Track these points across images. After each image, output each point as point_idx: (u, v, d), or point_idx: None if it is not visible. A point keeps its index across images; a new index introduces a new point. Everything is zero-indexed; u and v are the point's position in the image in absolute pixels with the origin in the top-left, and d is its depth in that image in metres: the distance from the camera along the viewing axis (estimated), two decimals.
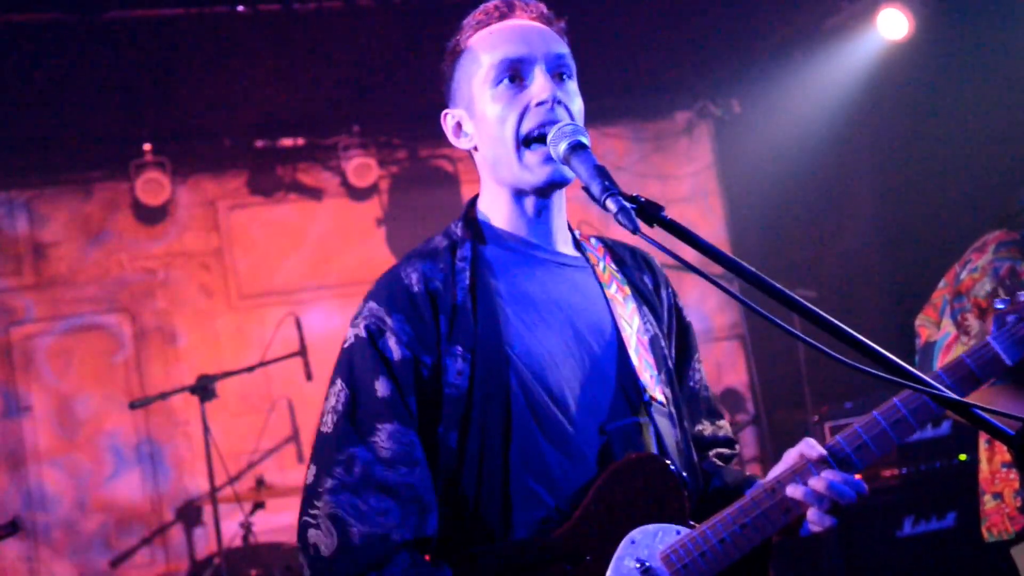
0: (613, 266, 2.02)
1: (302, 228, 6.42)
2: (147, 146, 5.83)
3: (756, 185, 6.64)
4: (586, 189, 1.67)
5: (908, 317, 3.06)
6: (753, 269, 1.52)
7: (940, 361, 2.85)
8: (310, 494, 1.78)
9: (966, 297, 2.85)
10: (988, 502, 2.92)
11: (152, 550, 5.91)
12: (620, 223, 1.57)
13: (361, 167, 6.20)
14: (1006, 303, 1.90)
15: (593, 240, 2.07)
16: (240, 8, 4.41)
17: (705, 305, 6.93)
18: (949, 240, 3.07)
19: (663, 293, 2.08)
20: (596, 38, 5.20)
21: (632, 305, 1.98)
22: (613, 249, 2.08)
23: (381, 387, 1.79)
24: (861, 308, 5.54)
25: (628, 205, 1.58)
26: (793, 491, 1.77)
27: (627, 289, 1.99)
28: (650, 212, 1.59)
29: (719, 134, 7.12)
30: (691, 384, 2.11)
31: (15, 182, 5.93)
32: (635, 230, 1.56)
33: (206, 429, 4.81)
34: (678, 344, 2.09)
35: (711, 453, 2.10)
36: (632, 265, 2.07)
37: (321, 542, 1.73)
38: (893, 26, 5.02)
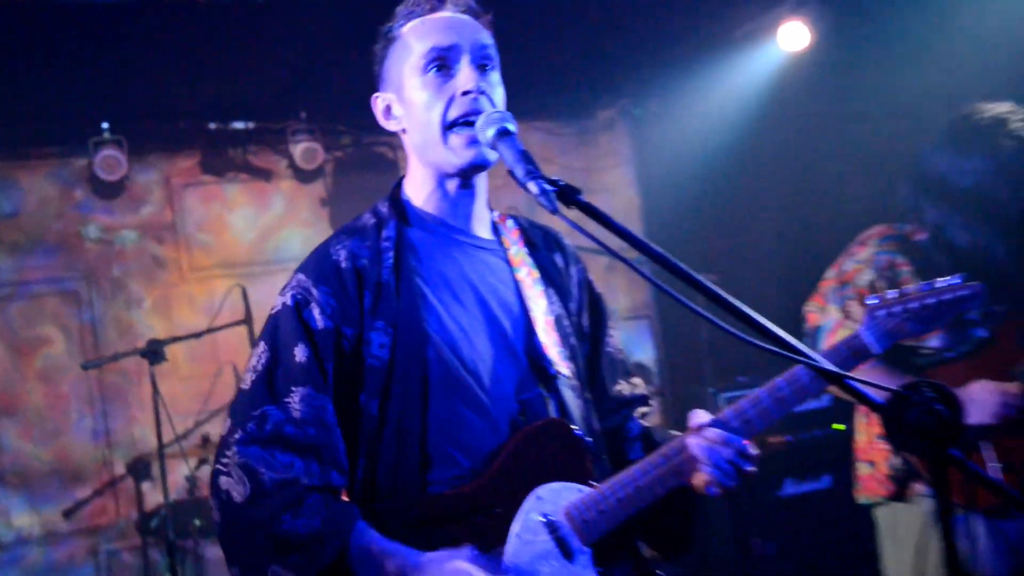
0: (525, 250, 2.03)
1: (251, 207, 6.33)
2: (105, 124, 5.69)
3: (669, 179, 6.69)
4: (511, 172, 1.67)
5: (800, 303, 3.11)
6: (662, 251, 1.55)
7: (825, 343, 2.90)
8: (223, 445, 1.77)
9: (850, 286, 2.89)
10: (863, 469, 2.98)
11: (104, 501, 5.82)
12: (541, 204, 1.58)
13: (308, 151, 6.13)
14: (878, 299, 1.96)
15: (509, 223, 2.06)
16: None
17: (617, 287, 6.99)
18: (839, 233, 3.12)
19: (572, 270, 2.10)
20: (527, 40, 5.21)
21: (540, 288, 1.99)
22: (527, 231, 2.08)
23: (300, 353, 1.79)
24: (758, 295, 5.61)
25: (549, 188, 1.59)
26: (684, 454, 1.81)
27: (536, 272, 2.00)
28: (569, 195, 1.61)
29: (637, 131, 7.15)
30: (608, 349, 2.12)
31: None
32: (554, 211, 1.57)
33: (155, 390, 4.74)
34: (592, 314, 2.11)
35: (635, 413, 2.12)
36: (543, 247, 2.07)
37: (233, 489, 1.72)
38: (794, 38, 5.09)
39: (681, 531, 1.95)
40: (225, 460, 1.75)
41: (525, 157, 1.66)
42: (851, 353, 1.90)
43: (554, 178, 1.63)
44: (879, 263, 2.87)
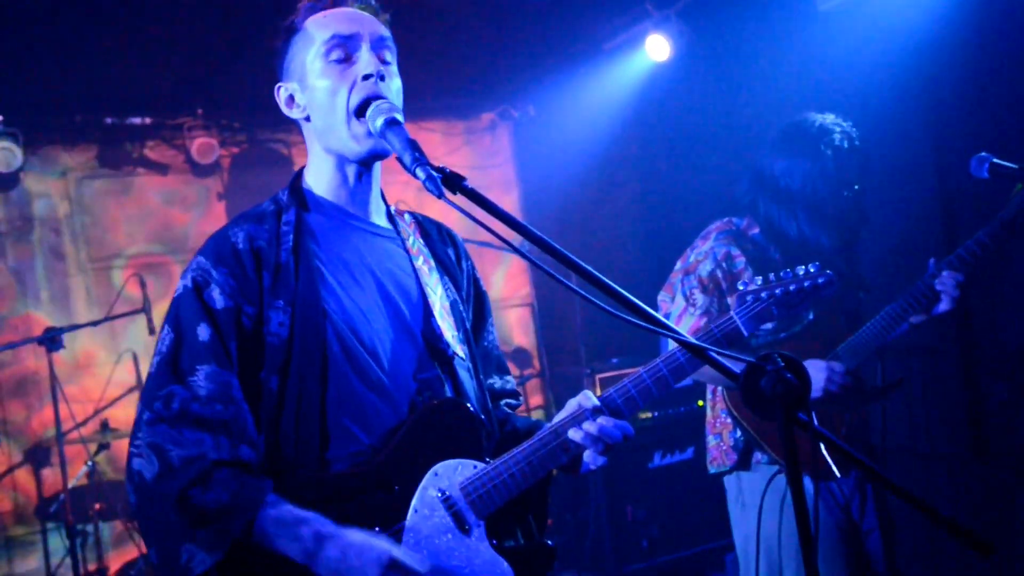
0: (421, 240, 1.98)
1: (148, 199, 6.03)
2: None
3: (546, 177, 6.74)
4: (399, 159, 1.62)
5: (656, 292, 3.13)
6: (544, 236, 1.52)
7: None
8: (134, 427, 1.67)
9: (693, 276, 2.94)
10: (711, 441, 3.03)
11: (1, 489, 5.46)
12: (427, 189, 1.53)
13: (204, 146, 5.86)
14: (747, 285, 1.98)
15: (407, 216, 2.01)
16: None
17: (501, 277, 6.99)
18: (695, 224, 3.16)
19: (463, 264, 2.06)
20: (416, 46, 5.15)
21: (436, 276, 1.94)
22: (422, 224, 2.03)
23: (203, 332, 1.69)
24: (625, 280, 5.72)
25: (435, 174, 1.54)
26: (573, 434, 1.78)
27: (432, 261, 1.96)
28: (454, 181, 1.56)
29: (517, 133, 7.16)
30: (485, 344, 2.10)
31: None
32: (440, 195, 1.52)
33: (53, 376, 4.47)
34: (475, 309, 2.07)
35: (502, 403, 2.10)
36: (437, 239, 2.03)
37: (144, 468, 1.62)
38: (657, 50, 5.16)
39: (543, 509, 1.94)
40: (137, 442, 1.65)
41: (412, 145, 1.62)
42: (723, 335, 1.91)
43: (440, 165, 1.58)
44: (717, 255, 2.93)
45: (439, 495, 1.74)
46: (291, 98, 1.87)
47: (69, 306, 5.68)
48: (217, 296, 1.72)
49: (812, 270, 1.98)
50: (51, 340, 4.41)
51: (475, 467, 1.77)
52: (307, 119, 1.86)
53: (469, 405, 1.82)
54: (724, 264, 2.92)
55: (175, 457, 1.61)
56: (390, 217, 1.97)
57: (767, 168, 2.99)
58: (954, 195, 3.97)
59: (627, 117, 5.88)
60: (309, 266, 1.78)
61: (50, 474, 5.42)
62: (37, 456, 5.43)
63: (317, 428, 1.72)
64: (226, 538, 1.58)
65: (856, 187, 2.93)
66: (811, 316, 2.93)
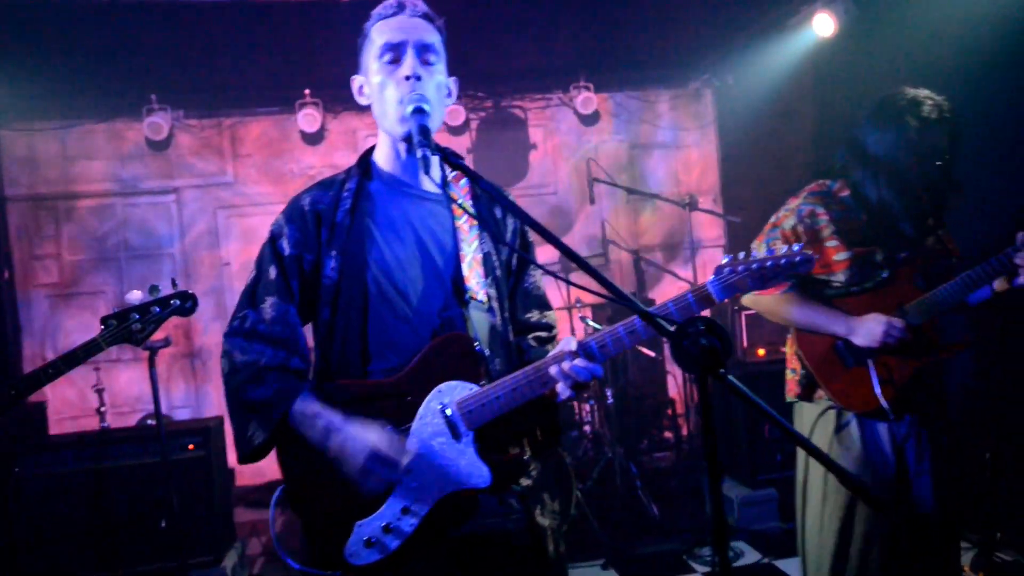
0: (469, 201, 2.00)
1: None
2: (307, 91, 5.98)
3: (741, 136, 6.40)
4: (412, 139, 1.72)
5: None
6: (526, 212, 1.57)
7: None
8: (223, 337, 1.90)
9: (778, 229, 2.74)
10: (788, 374, 2.87)
11: None
12: (420, 167, 1.63)
13: (454, 112, 6.16)
14: (729, 259, 1.88)
15: (462, 182, 2.03)
16: None
17: (695, 225, 6.78)
18: None
19: (509, 220, 2.05)
20: (635, 30, 5.13)
21: (475, 232, 1.96)
22: (473, 187, 2.04)
23: (272, 272, 1.88)
24: None
25: (430, 154, 1.63)
26: (551, 371, 1.79)
27: (474, 220, 1.98)
28: (451, 159, 1.66)
29: (718, 99, 6.80)
30: (525, 285, 2.09)
31: (223, 111, 6.21)
32: (427, 171, 1.62)
33: None
34: (520, 257, 2.06)
35: (531, 336, 2.09)
36: (485, 199, 2.03)
37: (223, 367, 1.85)
38: (825, 26, 4.70)
39: (550, 429, 1.95)
40: (222, 348, 1.89)
41: (423, 131, 1.70)
42: (697, 300, 1.84)
43: (443, 147, 1.66)
44: (801, 212, 2.70)
45: (439, 407, 1.82)
46: (360, 88, 1.96)
47: None
48: (286, 245, 1.89)
49: (793, 250, 1.85)
50: None
51: (471, 389, 1.83)
52: (370, 106, 1.94)
53: (475, 341, 1.87)
54: (807, 220, 2.69)
55: (239, 361, 1.83)
56: (444, 183, 2.00)
57: (860, 136, 2.71)
58: None
59: (802, 84, 5.43)
60: (361, 224, 1.89)
61: None
62: None
63: (358, 349, 1.86)
64: (269, 423, 1.78)
65: (946, 157, 2.61)
66: (885, 275, 2.68)
